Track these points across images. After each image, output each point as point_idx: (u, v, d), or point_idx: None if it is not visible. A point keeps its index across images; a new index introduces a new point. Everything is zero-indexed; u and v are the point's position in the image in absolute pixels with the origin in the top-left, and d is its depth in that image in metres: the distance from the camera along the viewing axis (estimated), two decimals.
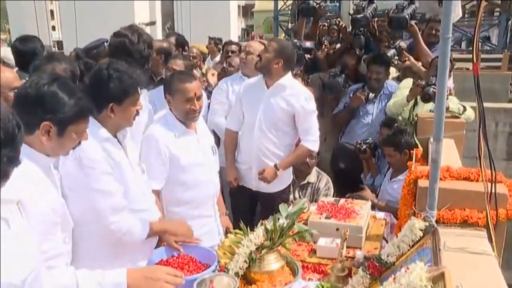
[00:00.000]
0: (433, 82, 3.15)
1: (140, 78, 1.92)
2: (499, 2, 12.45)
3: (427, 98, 3.13)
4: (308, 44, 4.04)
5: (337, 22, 4.28)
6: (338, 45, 4.31)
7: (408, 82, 3.53)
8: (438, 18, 3.88)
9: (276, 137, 2.93)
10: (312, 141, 2.95)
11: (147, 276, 1.46)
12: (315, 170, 3.39)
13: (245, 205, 3.07)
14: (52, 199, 1.53)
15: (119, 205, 1.86)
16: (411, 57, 3.72)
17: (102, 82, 1.83)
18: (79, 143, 1.58)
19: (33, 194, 1.40)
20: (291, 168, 3.10)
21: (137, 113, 1.94)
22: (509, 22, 11.75)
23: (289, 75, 2.93)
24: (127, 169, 1.93)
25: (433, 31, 3.89)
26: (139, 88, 1.91)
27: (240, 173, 3.04)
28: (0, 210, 1.03)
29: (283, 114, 2.90)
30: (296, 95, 2.88)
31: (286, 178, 3.08)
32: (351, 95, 3.71)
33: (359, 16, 3.71)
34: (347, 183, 3.46)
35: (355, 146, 3.47)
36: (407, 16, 3.54)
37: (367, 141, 3.43)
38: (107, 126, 1.88)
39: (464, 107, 3.18)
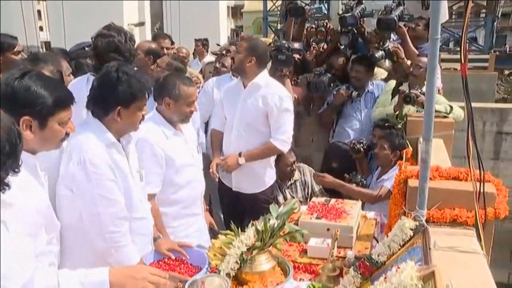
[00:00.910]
0: (416, 88, 3.22)
1: (148, 83, 1.90)
2: (485, 3, 12.65)
3: (407, 100, 3.17)
4: (296, 45, 4.06)
5: (325, 23, 4.30)
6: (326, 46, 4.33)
7: (390, 85, 3.57)
8: (422, 17, 3.94)
9: (253, 137, 2.93)
10: (281, 140, 2.91)
11: (130, 275, 1.42)
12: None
13: (233, 205, 3.07)
14: (37, 199, 1.50)
15: (121, 215, 1.80)
16: (402, 53, 3.72)
17: (110, 85, 1.80)
18: (68, 134, 1.54)
19: (19, 195, 1.37)
20: (272, 170, 3.10)
21: (143, 118, 1.92)
22: (495, 23, 11.96)
23: (264, 73, 2.95)
24: (129, 177, 1.90)
25: (415, 26, 3.94)
26: (146, 93, 1.89)
27: (222, 172, 3.04)
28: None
29: (258, 113, 2.90)
30: (270, 93, 2.88)
31: (265, 179, 3.05)
32: (334, 93, 3.74)
33: (347, 15, 3.74)
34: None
35: (349, 146, 3.48)
36: (395, 18, 3.57)
37: (361, 141, 3.45)
38: (112, 130, 1.84)
39: (451, 107, 3.22)
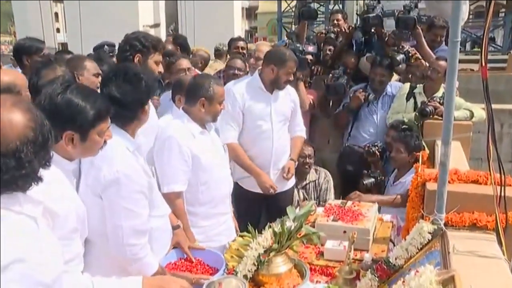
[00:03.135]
0: (435, 99, 3.19)
1: (155, 76, 1.94)
2: (504, 2, 12.41)
3: (424, 114, 3.15)
4: (310, 48, 4.05)
5: (335, 31, 4.27)
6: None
7: (404, 89, 3.52)
8: (441, 24, 3.86)
9: (286, 135, 3.12)
10: (304, 130, 3.24)
11: (161, 286, 1.45)
12: (312, 168, 3.45)
13: (252, 209, 3.06)
14: (76, 204, 1.53)
15: (141, 228, 1.80)
16: (422, 60, 3.69)
17: (136, 89, 1.79)
18: (105, 142, 1.58)
19: (60, 198, 1.41)
20: None
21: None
22: None
23: None
24: (151, 174, 1.91)
25: (438, 38, 3.88)
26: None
27: (252, 181, 3.01)
28: (28, 209, 1.06)
29: (289, 111, 3.09)
30: (290, 91, 3.11)
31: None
32: (351, 95, 3.71)
33: (370, 15, 3.70)
34: (354, 185, 3.46)
35: (364, 148, 3.46)
36: (415, 17, 3.54)
37: (376, 143, 3.42)
38: (132, 132, 1.85)
39: (471, 112, 3.16)
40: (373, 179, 3.20)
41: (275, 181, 3.01)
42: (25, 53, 3.06)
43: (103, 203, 1.73)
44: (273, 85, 2.94)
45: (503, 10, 13.29)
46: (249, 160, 2.97)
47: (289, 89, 3.08)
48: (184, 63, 3.27)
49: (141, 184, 1.78)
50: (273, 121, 2.97)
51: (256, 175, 2.95)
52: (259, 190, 2.99)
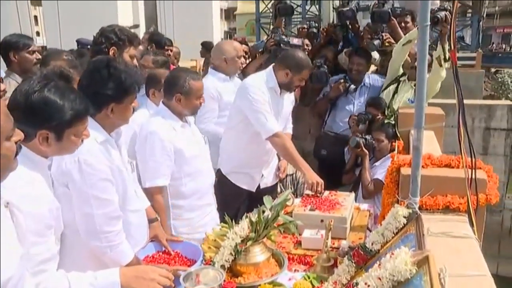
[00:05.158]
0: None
1: (138, 76, 1.88)
2: (471, 3, 12.86)
3: (435, 22, 3.19)
4: (295, 41, 4.11)
5: (316, 26, 4.41)
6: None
7: (403, 52, 3.53)
8: (406, 12, 3.97)
9: None
10: (292, 127, 3.23)
11: (140, 276, 1.42)
12: None
13: (237, 203, 3.03)
14: (49, 201, 1.48)
15: (114, 215, 1.79)
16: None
17: (102, 81, 1.76)
18: (82, 141, 1.54)
19: (31, 195, 1.36)
20: None
21: (133, 110, 1.92)
22: (481, 23, 12.17)
23: None
24: (124, 170, 1.89)
25: (402, 24, 4.00)
26: (137, 87, 1.88)
27: (246, 178, 3.01)
28: None
29: (289, 112, 3.12)
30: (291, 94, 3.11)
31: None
32: (332, 84, 3.79)
33: (345, 9, 3.81)
34: (330, 169, 3.53)
35: (350, 117, 3.52)
36: (389, 11, 3.65)
37: (363, 112, 3.45)
38: (105, 126, 1.83)
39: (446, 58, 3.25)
40: (363, 140, 3.25)
41: (266, 177, 3.07)
42: (12, 48, 2.98)
43: (70, 192, 1.70)
44: (284, 88, 2.90)
45: (470, 11, 13.76)
46: (298, 153, 2.80)
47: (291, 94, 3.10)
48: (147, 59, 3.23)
49: (105, 172, 1.76)
50: (279, 121, 2.95)
51: (306, 170, 2.71)
52: (245, 186, 3.02)
